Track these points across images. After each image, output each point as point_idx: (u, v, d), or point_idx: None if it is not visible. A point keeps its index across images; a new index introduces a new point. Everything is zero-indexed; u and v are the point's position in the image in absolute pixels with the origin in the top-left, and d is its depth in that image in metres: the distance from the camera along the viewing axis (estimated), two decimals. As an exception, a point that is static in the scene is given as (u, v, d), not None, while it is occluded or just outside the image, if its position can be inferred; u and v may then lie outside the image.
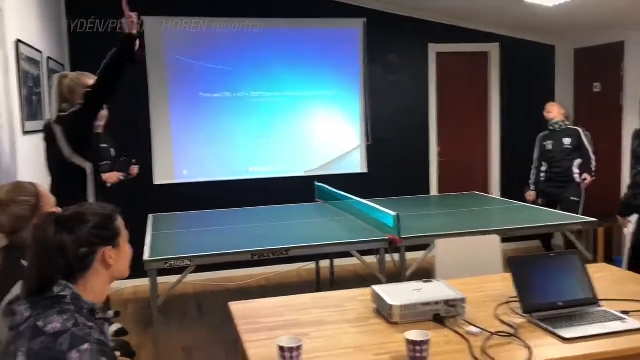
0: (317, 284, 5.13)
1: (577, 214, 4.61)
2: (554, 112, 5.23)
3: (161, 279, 3.47)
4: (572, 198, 4.98)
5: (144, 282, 3.44)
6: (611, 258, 5.12)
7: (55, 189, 3.06)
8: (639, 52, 5.41)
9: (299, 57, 5.84)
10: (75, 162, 3.13)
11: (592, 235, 4.67)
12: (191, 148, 5.66)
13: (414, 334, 1.75)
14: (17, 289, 1.77)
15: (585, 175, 5.00)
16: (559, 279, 2.21)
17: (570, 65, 6.40)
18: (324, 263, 5.25)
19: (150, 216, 4.45)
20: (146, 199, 5.28)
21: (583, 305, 2.16)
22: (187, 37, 5.52)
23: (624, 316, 2.06)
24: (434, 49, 6.19)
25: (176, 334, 4.25)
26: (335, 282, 5.21)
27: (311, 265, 5.48)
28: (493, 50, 6.37)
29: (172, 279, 3.53)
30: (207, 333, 4.27)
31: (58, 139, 3.11)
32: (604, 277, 2.59)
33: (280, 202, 5.12)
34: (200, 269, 3.55)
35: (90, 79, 3.16)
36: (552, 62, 6.55)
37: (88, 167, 3.17)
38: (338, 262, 5.41)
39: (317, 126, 5.96)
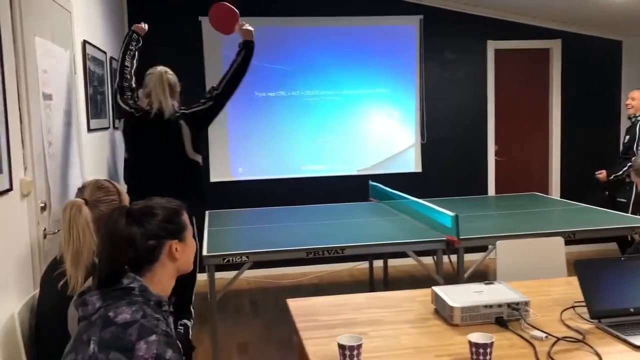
0: (371, 284, 5.10)
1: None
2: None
3: (217, 275, 3.52)
4: (618, 199, 4.83)
5: (201, 277, 3.49)
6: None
7: (172, 182, 3.18)
8: None
9: (354, 55, 5.82)
10: (194, 159, 3.27)
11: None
12: (246, 146, 5.74)
13: (477, 337, 1.70)
14: None
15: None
16: (630, 283, 2.11)
17: (638, 61, 6.12)
18: (377, 263, 5.22)
19: (207, 213, 4.53)
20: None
21: (657, 313, 2.05)
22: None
23: (702, 325, 1.95)
24: (492, 45, 6.05)
25: (232, 329, 4.31)
26: (389, 282, 5.17)
27: (364, 264, 5.45)
28: (554, 47, 6.16)
29: (229, 274, 3.58)
30: (261, 329, 4.31)
31: (184, 135, 3.22)
32: (679, 283, 2.45)
33: (333, 201, 5.13)
34: (255, 265, 3.58)
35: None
36: (619, 57, 6.27)
37: (200, 161, 3.34)
38: (392, 262, 5.36)
39: (371, 125, 5.93)
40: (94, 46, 3.72)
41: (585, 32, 6.15)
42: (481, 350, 1.67)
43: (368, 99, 5.89)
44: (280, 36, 5.68)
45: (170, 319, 1.56)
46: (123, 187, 2.64)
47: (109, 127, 4.14)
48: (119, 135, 4.05)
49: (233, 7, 3.48)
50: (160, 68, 3.34)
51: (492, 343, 1.67)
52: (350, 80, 5.85)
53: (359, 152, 5.92)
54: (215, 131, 5.59)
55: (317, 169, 5.84)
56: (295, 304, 2.34)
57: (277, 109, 5.77)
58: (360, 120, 5.90)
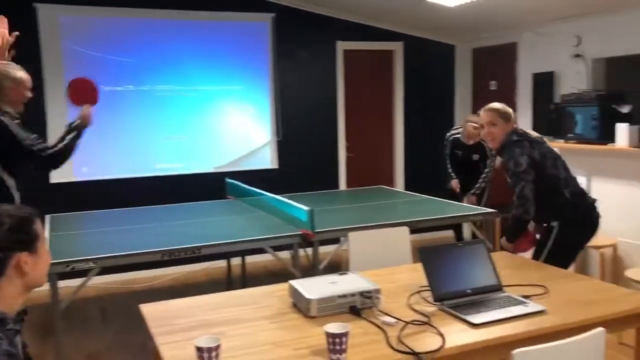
0: (229, 282, 5.05)
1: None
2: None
3: (62, 283, 3.26)
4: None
5: (42, 287, 3.21)
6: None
7: None
8: (531, 53, 5.78)
9: (208, 51, 5.72)
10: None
11: (491, 226, 4.94)
12: (91, 144, 5.33)
13: (333, 327, 1.75)
14: None
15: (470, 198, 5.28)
16: (466, 267, 2.31)
17: (468, 64, 6.73)
18: (235, 261, 5.18)
19: (47, 217, 4.17)
20: (42, 198, 4.94)
21: (489, 292, 2.28)
22: (85, 26, 5.24)
23: (525, 300, 2.20)
24: (341, 46, 6.28)
25: (80, 340, 4.01)
26: (247, 279, 5.15)
27: (221, 263, 5.39)
28: (397, 49, 6.57)
29: (74, 282, 3.33)
30: (113, 338, 4.07)
31: None
32: (506, 264, 2.75)
33: (189, 200, 4.99)
34: (104, 271, 3.37)
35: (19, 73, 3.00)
36: (453, 61, 6.85)
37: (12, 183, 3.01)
38: (249, 259, 5.36)
39: (227, 122, 5.87)
40: None
41: (424, 36, 6.63)
42: (337, 340, 1.72)
43: (223, 95, 5.82)
44: (128, 28, 5.40)
45: (18, 338, 1.40)
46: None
47: None
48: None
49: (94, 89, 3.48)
50: None
51: (347, 332, 1.73)
52: (204, 76, 5.73)
53: (215, 149, 5.83)
54: (55, 128, 5.16)
55: (171, 167, 5.65)
56: (149, 309, 2.24)
57: (125, 104, 5.47)
58: (215, 117, 5.81)
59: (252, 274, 5.38)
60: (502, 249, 3.23)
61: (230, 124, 5.88)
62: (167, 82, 5.59)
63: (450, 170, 5.49)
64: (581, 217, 3.17)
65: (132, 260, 3.25)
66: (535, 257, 3.18)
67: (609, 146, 4.51)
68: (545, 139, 3.29)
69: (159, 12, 5.46)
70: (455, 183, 5.43)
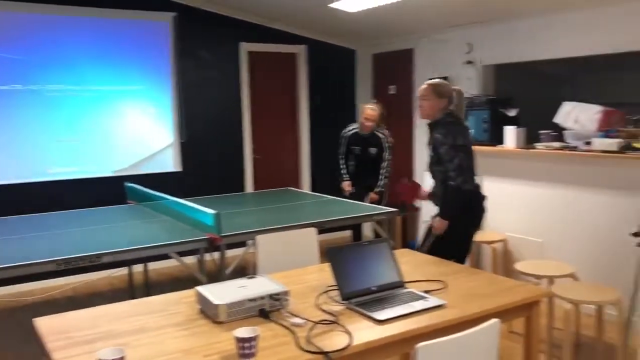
0: (131, 291, 4.86)
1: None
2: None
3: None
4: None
5: None
6: (407, 243, 5.70)
7: None
8: (426, 59, 6.06)
9: (105, 49, 5.48)
10: None
11: (393, 224, 5.13)
12: (-25, 148, 4.98)
13: (243, 331, 1.75)
14: None
15: (371, 196, 5.25)
16: (371, 265, 2.39)
17: (369, 69, 6.94)
18: (137, 268, 5.00)
19: None
20: None
21: (393, 289, 2.37)
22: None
23: (426, 295, 2.31)
24: (245, 47, 6.26)
25: (-36, 361, 3.71)
26: (151, 287, 4.99)
27: (123, 271, 5.18)
28: (301, 52, 6.64)
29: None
30: (3, 355, 3.79)
31: None
32: (408, 261, 2.87)
33: (87, 206, 4.76)
34: (-7, 284, 3.14)
35: None
36: (354, 65, 7.04)
37: None
38: (152, 265, 5.20)
39: (127, 123, 5.65)
40: None
41: (326, 40, 6.76)
42: (246, 344, 1.72)
43: (122, 95, 5.60)
44: (15, 22, 5.05)
45: None
46: None
47: None
48: None
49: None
50: None
51: (256, 336, 1.73)
52: (100, 76, 5.48)
53: (114, 152, 5.60)
54: None
55: (66, 171, 5.35)
56: (44, 322, 2.12)
57: (12, 104, 5.11)
58: (114, 118, 5.58)
59: (155, 281, 5.23)
60: (431, 230, 3.41)
61: (130, 125, 5.67)
62: (59, 81, 5.29)
63: (343, 170, 5.42)
64: (471, 208, 3.42)
65: (26, 271, 3.05)
66: (424, 243, 3.42)
67: (499, 147, 4.83)
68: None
69: (51, 7, 5.16)
70: (347, 185, 5.35)
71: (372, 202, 5.19)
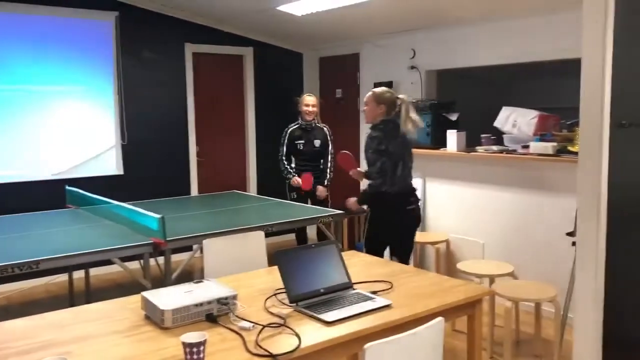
0: (71, 298, 4.70)
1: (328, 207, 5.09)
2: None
3: None
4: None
5: None
6: (354, 245, 5.76)
7: None
8: (371, 63, 6.16)
9: (45, 48, 5.29)
10: None
11: (339, 226, 5.17)
12: None
13: (190, 336, 1.73)
14: None
15: (319, 189, 5.21)
16: (320, 267, 2.40)
17: (316, 72, 6.99)
18: (77, 274, 4.84)
19: None
20: None
21: (341, 290, 2.39)
22: None
23: (373, 296, 2.34)
24: (190, 48, 6.17)
25: None
26: (92, 293, 4.83)
27: (61, 277, 5.01)
28: (247, 54, 6.61)
29: None
30: None
31: None
32: (355, 262, 2.90)
33: (24, 210, 4.56)
34: None
35: None
36: (301, 68, 7.06)
37: None
38: (94, 271, 5.04)
39: (66, 125, 5.47)
40: None
41: (273, 43, 6.75)
42: (195, 350, 1.70)
43: (61, 96, 5.41)
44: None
45: None
46: None
47: None
48: None
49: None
50: None
51: (204, 341, 1.71)
52: (39, 75, 5.28)
53: (53, 154, 5.40)
54: None
55: (2, 175, 5.12)
56: (-21, 333, 2.02)
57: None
58: (52, 119, 5.38)
59: (97, 288, 5.07)
60: (347, 206, 4.06)
61: (70, 126, 5.49)
62: (-7, 80, 5.07)
63: (287, 166, 5.24)
64: (397, 208, 3.79)
65: (-44, 280, 2.90)
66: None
67: (441, 151, 4.96)
68: (409, 139, 3.88)
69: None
70: (296, 180, 5.15)
71: (320, 197, 5.18)
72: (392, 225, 3.82)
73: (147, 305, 2.12)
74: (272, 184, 6.30)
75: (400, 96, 3.85)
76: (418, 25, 5.40)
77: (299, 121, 5.33)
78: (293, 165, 5.33)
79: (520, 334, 4.00)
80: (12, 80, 5.15)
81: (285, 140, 5.31)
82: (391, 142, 3.72)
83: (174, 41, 6.05)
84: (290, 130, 5.33)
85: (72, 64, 5.45)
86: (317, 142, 5.27)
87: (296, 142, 5.27)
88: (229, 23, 6.29)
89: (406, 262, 3.80)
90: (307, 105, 5.23)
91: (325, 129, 5.36)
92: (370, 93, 3.91)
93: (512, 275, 3.86)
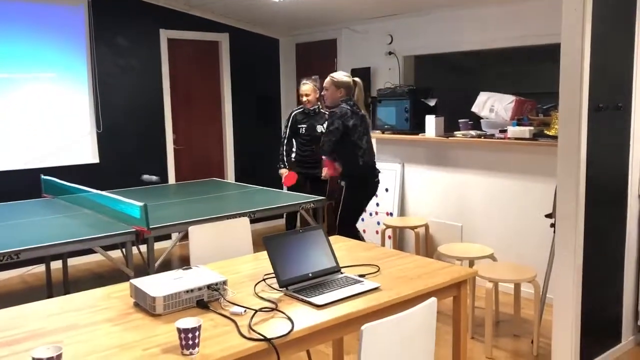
0: (49, 289, 4.62)
1: (326, 193, 5.10)
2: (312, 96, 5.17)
3: None
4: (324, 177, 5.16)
5: None
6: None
7: None
8: (348, 49, 6.15)
9: (12, 34, 5.13)
10: None
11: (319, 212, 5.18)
12: None
13: (185, 322, 1.72)
14: None
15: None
16: (307, 252, 2.41)
17: (292, 58, 6.95)
18: (55, 265, 4.76)
19: None
20: None
21: (329, 274, 2.40)
22: None
23: (361, 279, 2.36)
24: (165, 34, 6.07)
25: None
26: (70, 283, 4.76)
27: (39, 268, 4.92)
28: (224, 40, 6.53)
29: None
30: None
31: None
32: (340, 246, 2.92)
33: (-3, 200, 4.47)
34: None
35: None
36: (277, 54, 7.01)
37: None
38: (71, 261, 4.96)
39: (39, 112, 5.34)
40: None
41: (249, 29, 6.68)
42: (190, 335, 1.69)
43: (33, 82, 5.28)
44: None
45: None
46: None
47: None
48: None
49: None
50: None
51: (199, 326, 1.71)
52: (8, 61, 5.13)
53: (26, 143, 5.27)
54: None
55: (-30, 164, 4.99)
56: (-38, 325, 1.98)
57: None
58: (24, 106, 5.25)
59: (75, 278, 5.00)
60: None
61: (43, 114, 5.37)
62: (-39, 67, 4.92)
63: (284, 155, 5.18)
64: (364, 181, 4.33)
65: None
66: (335, 212, 4.41)
67: (420, 136, 5.00)
68: (367, 118, 4.45)
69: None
70: (285, 172, 5.10)
71: (325, 177, 5.01)
72: (364, 195, 4.40)
73: (137, 292, 2.10)
74: (251, 170, 6.29)
75: (355, 79, 4.37)
76: (395, 10, 5.41)
77: (303, 106, 5.27)
78: (294, 149, 5.28)
79: (500, 314, 4.08)
80: (-18, 67, 5.01)
81: (289, 124, 5.26)
82: (349, 121, 4.22)
83: (149, 27, 5.95)
84: (294, 113, 5.29)
85: (44, 50, 5.31)
86: (319, 128, 5.15)
87: (299, 125, 5.23)
88: (205, 8, 6.20)
89: (354, 221, 4.46)
90: (302, 95, 5.20)
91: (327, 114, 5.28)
92: (328, 78, 4.35)
93: (491, 257, 3.93)
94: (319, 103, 5.20)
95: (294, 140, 5.28)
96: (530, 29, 4.51)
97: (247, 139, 6.71)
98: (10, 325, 1.97)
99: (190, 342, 1.70)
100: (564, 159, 2.96)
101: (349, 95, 4.32)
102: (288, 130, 5.25)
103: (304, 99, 5.18)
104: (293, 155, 5.28)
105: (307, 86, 5.20)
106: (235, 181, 6.38)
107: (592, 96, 2.91)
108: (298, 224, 5.79)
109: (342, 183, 4.39)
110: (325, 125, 4.83)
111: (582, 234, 2.99)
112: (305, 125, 5.21)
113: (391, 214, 5.35)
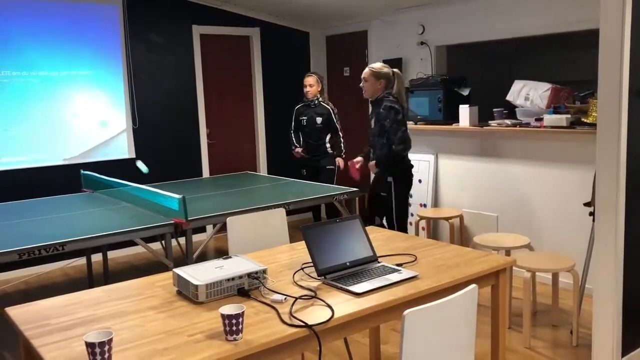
0: (90, 281, 4.75)
1: (333, 181, 5.18)
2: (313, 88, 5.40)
3: None
4: (328, 167, 5.44)
5: None
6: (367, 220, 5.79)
7: None
8: (380, 40, 6.13)
9: (52, 34, 5.28)
10: None
11: (353, 203, 5.19)
12: None
13: (228, 309, 1.76)
14: None
15: (338, 160, 5.43)
16: (345, 241, 2.43)
17: (323, 51, 6.96)
18: (95, 257, 4.89)
19: None
20: None
21: (366, 263, 2.42)
22: None
23: (399, 268, 2.37)
24: (198, 30, 6.15)
25: None
26: (110, 275, 4.89)
27: (80, 261, 5.06)
28: (254, 35, 6.58)
29: None
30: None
31: None
32: (376, 237, 2.93)
33: (39, 196, 4.60)
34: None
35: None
36: (307, 47, 7.03)
37: None
38: (110, 254, 5.09)
39: (77, 110, 5.48)
40: None
41: (280, 23, 6.72)
42: (233, 321, 1.73)
43: (71, 81, 5.42)
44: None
45: None
46: None
47: None
48: None
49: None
50: None
51: (242, 312, 1.75)
52: (49, 61, 5.28)
53: (64, 140, 5.42)
54: None
55: (14, 161, 5.15)
56: (17, 312, 2.06)
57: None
58: (63, 104, 5.40)
59: (114, 270, 5.12)
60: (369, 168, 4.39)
61: (81, 111, 5.50)
62: (4, 67, 5.07)
63: (293, 139, 5.55)
64: (409, 173, 4.30)
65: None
66: (389, 214, 4.27)
67: (454, 126, 4.96)
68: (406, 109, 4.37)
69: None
70: (298, 151, 5.48)
71: (340, 168, 5.38)
72: (410, 186, 4.36)
73: (180, 281, 2.15)
74: (283, 163, 6.33)
75: (395, 70, 4.26)
76: (426, 0, 5.36)
77: (305, 98, 5.48)
78: (301, 142, 5.57)
79: (538, 305, 4.04)
80: (23, 67, 5.16)
81: (293, 116, 5.57)
82: (403, 112, 4.14)
83: (182, 23, 6.03)
84: (297, 107, 5.56)
85: (81, 49, 5.44)
86: (318, 119, 5.39)
87: (300, 117, 5.50)
88: (235, 3, 6.25)
89: (406, 215, 4.35)
90: (304, 86, 5.42)
91: (329, 106, 5.42)
92: (367, 69, 4.23)
93: (528, 247, 3.89)
94: (318, 95, 5.40)
95: (300, 133, 5.56)
96: (565, 15, 4.42)
97: (279, 133, 6.75)
98: (61, 313, 2.04)
99: (234, 328, 1.74)
100: (603, 146, 2.90)
101: (388, 87, 4.20)
102: (293, 122, 5.57)
103: (305, 88, 5.40)
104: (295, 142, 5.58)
105: (309, 77, 5.42)
106: (268, 174, 6.43)
107: (633, 81, 2.85)
108: (324, 215, 5.86)
109: (389, 179, 4.21)
110: (318, 117, 5.33)
111: (622, 223, 2.93)
112: (305, 117, 5.45)
113: (425, 205, 5.33)
